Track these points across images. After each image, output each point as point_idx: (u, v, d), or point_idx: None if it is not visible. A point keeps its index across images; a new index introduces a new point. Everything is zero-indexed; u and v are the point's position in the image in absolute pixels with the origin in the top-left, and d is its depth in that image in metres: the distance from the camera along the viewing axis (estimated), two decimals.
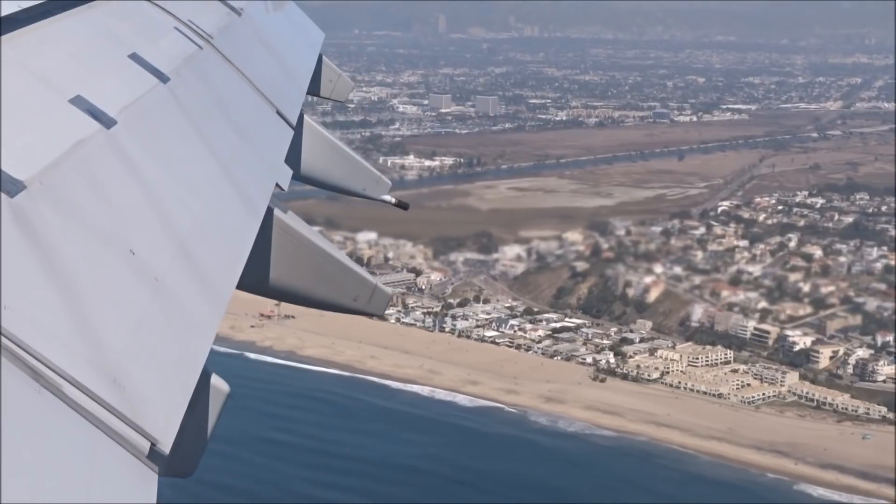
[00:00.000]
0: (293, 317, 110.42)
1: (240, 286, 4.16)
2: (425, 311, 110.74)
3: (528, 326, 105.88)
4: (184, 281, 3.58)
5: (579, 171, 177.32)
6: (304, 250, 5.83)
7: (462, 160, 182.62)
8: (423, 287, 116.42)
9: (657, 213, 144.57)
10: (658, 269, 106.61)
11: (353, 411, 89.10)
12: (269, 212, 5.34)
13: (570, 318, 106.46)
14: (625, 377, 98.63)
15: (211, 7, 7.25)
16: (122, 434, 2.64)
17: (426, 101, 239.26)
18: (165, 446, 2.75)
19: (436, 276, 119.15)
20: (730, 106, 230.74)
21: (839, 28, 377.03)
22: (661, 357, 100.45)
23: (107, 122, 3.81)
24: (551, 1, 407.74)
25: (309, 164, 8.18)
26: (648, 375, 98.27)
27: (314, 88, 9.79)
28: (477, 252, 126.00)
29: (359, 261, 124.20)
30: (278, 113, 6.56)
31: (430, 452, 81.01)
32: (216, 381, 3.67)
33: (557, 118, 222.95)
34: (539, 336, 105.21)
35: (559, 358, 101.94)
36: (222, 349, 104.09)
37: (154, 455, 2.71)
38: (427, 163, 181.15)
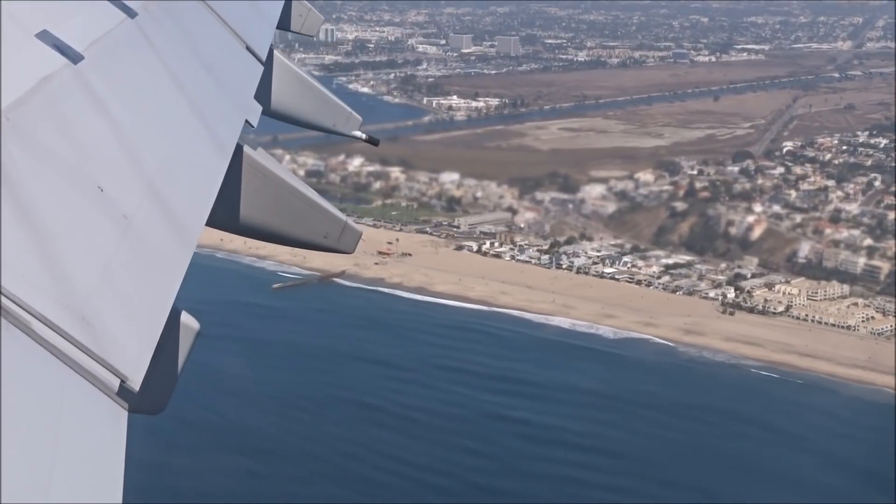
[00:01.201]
0: (410, 254, 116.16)
1: (210, 223, 4.21)
2: (536, 248, 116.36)
3: (641, 263, 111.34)
4: (153, 218, 3.59)
5: (621, 111, 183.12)
6: (273, 187, 5.83)
7: (506, 101, 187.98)
8: (522, 226, 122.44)
9: (716, 153, 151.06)
10: (758, 207, 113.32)
11: (509, 341, 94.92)
12: (239, 149, 5.37)
13: (676, 255, 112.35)
14: (751, 310, 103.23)
15: None
16: (91, 371, 2.65)
17: (443, 42, 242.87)
18: (135, 383, 2.77)
19: (529, 216, 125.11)
20: (744, 46, 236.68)
21: None
22: (779, 291, 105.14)
23: (74, 57, 3.75)
24: None
25: (279, 100, 8.10)
26: (774, 308, 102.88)
27: (284, 23, 9.80)
28: (559, 191, 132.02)
29: (451, 200, 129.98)
30: (248, 48, 6.52)
31: (602, 377, 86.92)
32: (186, 318, 3.72)
33: (579, 59, 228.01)
34: (655, 272, 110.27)
35: (681, 293, 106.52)
36: (356, 284, 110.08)
37: (124, 392, 2.73)
38: (473, 104, 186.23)
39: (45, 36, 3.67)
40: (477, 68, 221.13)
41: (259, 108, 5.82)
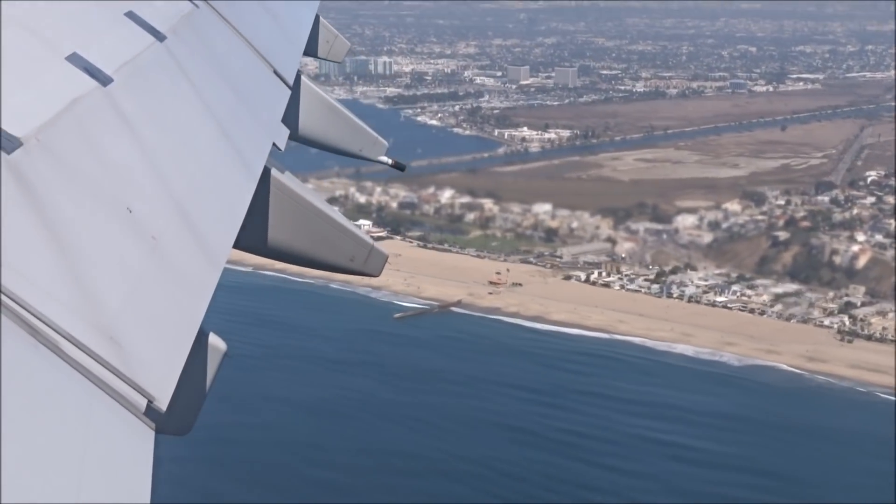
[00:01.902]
0: (520, 284, 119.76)
1: (237, 245, 4.27)
2: (644, 278, 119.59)
3: (750, 292, 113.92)
4: (181, 240, 3.63)
5: (691, 141, 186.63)
6: (300, 210, 5.86)
7: (577, 132, 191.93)
8: (624, 255, 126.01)
9: (795, 182, 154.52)
10: (860, 236, 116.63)
11: (638, 367, 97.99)
12: (267, 172, 5.40)
13: (781, 284, 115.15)
14: (868, 338, 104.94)
15: None
16: (119, 391, 2.67)
17: (499, 73, 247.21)
18: (162, 403, 2.79)
19: (628, 245, 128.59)
20: (799, 76, 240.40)
21: None
22: (894, 319, 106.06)
23: (103, 79, 3.81)
24: None
25: (306, 125, 8.16)
26: (892, 336, 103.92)
27: (312, 49, 9.83)
28: (651, 222, 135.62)
29: (549, 231, 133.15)
30: (275, 72, 6.56)
31: (737, 401, 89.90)
32: (214, 339, 3.72)
33: (637, 89, 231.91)
34: (767, 301, 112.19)
35: (795, 320, 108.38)
36: (475, 313, 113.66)
37: (151, 412, 2.75)
38: (546, 135, 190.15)
39: (75, 59, 3.75)
40: (539, 100, 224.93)
41: (286, 132, 5.91)
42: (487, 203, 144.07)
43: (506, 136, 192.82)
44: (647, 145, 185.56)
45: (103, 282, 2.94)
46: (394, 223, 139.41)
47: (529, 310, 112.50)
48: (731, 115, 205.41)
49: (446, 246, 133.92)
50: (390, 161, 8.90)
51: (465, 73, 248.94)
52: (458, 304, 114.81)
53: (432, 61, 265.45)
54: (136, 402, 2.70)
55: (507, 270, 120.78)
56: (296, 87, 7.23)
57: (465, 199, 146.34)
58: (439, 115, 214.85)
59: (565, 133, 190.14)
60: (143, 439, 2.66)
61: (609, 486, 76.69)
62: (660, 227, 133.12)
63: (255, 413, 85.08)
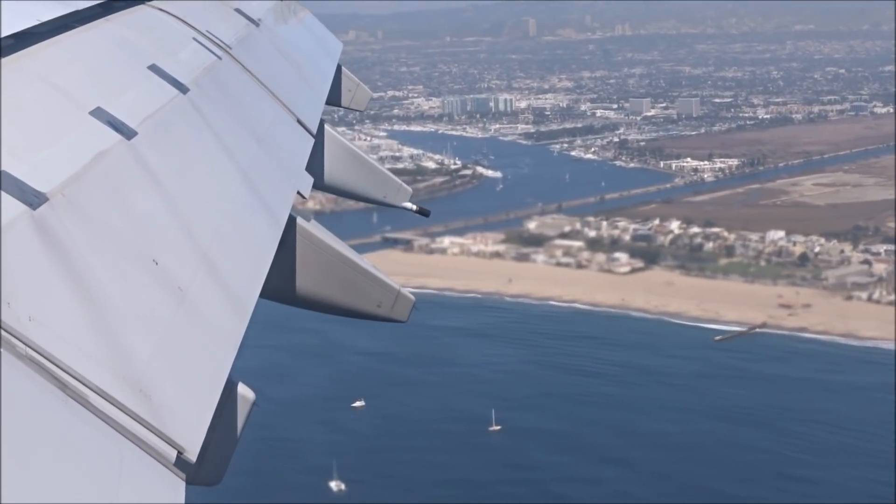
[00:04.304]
0: (810, 305, 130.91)
1: (263, 294, 4.18)
2: None
3: None
4: (208, 290, 3.63)
5: (853, 164, 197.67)
6: (326, 258, 5.90)
7: (744, 160, 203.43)
8: (883, 274, 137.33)
9: None
10: None
11: None
12: (292, 220, 5.49)
13: None
14: None
15: (229, 18, 7.36)
16: (148, 443, 2.69)
17: (615, 106, 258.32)
18: (192, 454, 2.81)
19: (880, 266, 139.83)
20: None
21: None
22: None
23: (127, 133, 3.87)
24: (621, 1, 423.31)
25: (331, 172, 8.28)
26: None
27: (334, 98, 9.94)
28: (881, 243, 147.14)
29: (802, 257, 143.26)
30: (298, 121, 6.68)
31: None
32: (242, 389, 3.72)
33: (761, 116, 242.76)
34: None
35: None
36: (786, 332, 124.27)
37: (181, 463, 2.76)
38: (715, 164, 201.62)
39: (98, 113, 3.83)
40: (671, 130, 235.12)
41: (311, 180, 5.91)
42: (722, 232, 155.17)
43: (673, 168, 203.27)
44: (813, 170, 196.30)
45: (131, 334, 2.99)
46: (646, 255, 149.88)
47: (835, 328, 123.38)
48: (870, 137, 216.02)
49: (707, 273, 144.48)
50: (415, 207, 8.90)
51: (581, 107, 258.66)
52: (764, 325, 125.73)
53: (541, 96, 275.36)
54: (166, 454, 2.71)
55: (797, 293, 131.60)
56: (319, 136, 7.46)
57: (696, 229, 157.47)
58: (593, 149, 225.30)
59: (733, 162, 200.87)
60: (174, 490, 2.68)
61: None
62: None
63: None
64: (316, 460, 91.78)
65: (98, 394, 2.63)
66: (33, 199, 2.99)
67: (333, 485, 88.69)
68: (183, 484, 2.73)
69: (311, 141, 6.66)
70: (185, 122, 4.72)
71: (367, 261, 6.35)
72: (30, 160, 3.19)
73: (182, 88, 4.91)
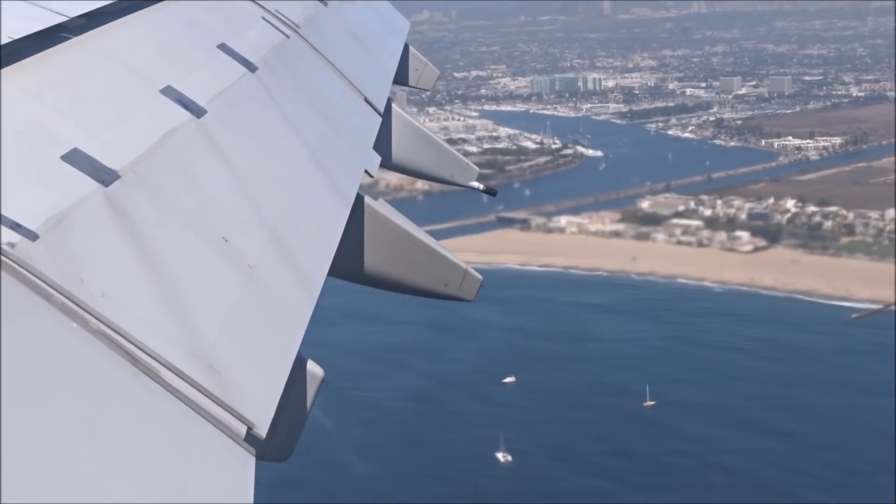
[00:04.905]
0: None
1: (332, 273, 4.21)
2: None
3: None
4: (276, 268, 3.64)
5: None
6: (394, 237, 5.88)
7: (847, 139, 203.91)
8: None
9: None
10: None
11: None
12: (360, 199, 5.44)
13: None
14: None
15: None
16: (218, 418, 2.72)
17: (703, 84, 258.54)
18: (262, 430, 2.83)
19: None
20: None
21: None
22: None
23: (197, 111, 3.91)
24: None
25: (398, 152, 8.22)
26: None
27: (402, 78, 9.86)
28: None
29: None
30: (366, 100, 6.66)
31: None
32: (311, 366, 3.75)
33: (856, 94, 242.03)
34: None
35: None
36: None
37: (250, 439, 2.79)
38: (819, 143, 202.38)
39: (169, 91, 3.88)
40: (765, 108, 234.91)
41: (378, 159, 5.90)
42: (840, 210, 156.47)
43: (775, 146, 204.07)
44: None
45: (201, 311, 3.03)
46: (767, 233, 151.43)
47: None
48: None
49: (831, 252, 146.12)
50: (482, 186, 8.85)
51: (670, 86, 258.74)
52: None
53: (627, 75, 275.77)
54: (236, 429, 2.74)
55: None
56: (387, 115, 7.33)
57: (813, 208, 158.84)
58: (690, 127, 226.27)
59: (836, 140, 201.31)
60: (245, 465, 2.70)
61: None
62: None
63: None
64: (479, 431, 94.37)
65: (169, 368, 2.67)
66: (105, 176, 3.05)
67: (500, 455, 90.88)
68: (253, 459, 2.75)
69: (379, 120, 6.68)
70: (253, 100, 4.78)
71: (434, 240, 6.34)
72: (101, 138, 3.26)
73: (251, 67, 4.98)
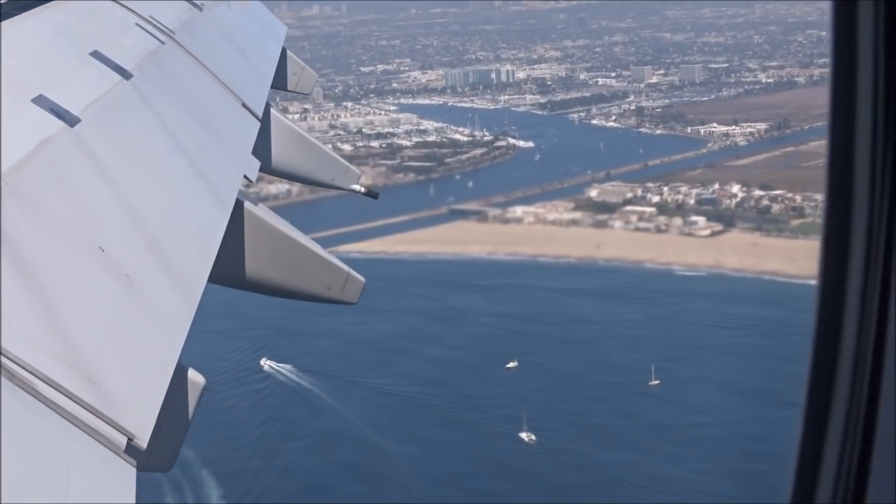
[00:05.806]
0: None
1: (212, 279, 4.13)
2: None
3: None
4: (155, 276, 3.60)
5: None
6: (274, 242, 5.81)
7: (770, 125, 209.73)
8: None
9: None
10: None
11: None
12: (239, 204, 5.37)
13: None
14: None
15: (172, 3, 7.24)
16: (98, 430, 2.64)
17: (613, 74, 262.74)
18: (142, 441, 2.78)
19: None
20: None
21: None
22: None
23: (71, 120, 3.82)
24: None
25: (278, 157, 8.12)
26: None
27: (280, 82, 9.78)
28: None
29: None
30: (244, 105, 6.60)
31: None
32: (193, 374, 3.66)
33: (765, 80, 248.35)
34: None
35: None
36: None
37: (131, 450, 2.72)
38: (746, 129, 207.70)
39: (41, 100, 3.81)
40: (683, 97, 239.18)
41: (257, 164, 5.84)
42: (786, 193, 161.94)
43: (702, 133, 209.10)
44: None
45: (79, 322, 2.93)
46: (721, 218, 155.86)
47: None
48: None
49: (787, 234, 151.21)
50: (363, 189, 8.71)
51: (581, 76, 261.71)
52: None
53: (536, 67, 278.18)
54: (116, 441, 2.67)
55: None
56: (265, 120, 7.25)
57: (759, 192, 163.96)
58: (612, 117, 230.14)
59: (760, 126, 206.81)
60: (125, 477, 2.63)
61: None
62: None
63: None
64: (498, 412, 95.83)
65: (46, 382, 2.60)
66: None
67: (524, 435, 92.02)
68: (134, 470, 2.70)
69: (258, 125, 6.63)
70: (128, 108, 4.67)
71: (315, 244, 6.30)
72: None
73: (125, 74, 4.88)
